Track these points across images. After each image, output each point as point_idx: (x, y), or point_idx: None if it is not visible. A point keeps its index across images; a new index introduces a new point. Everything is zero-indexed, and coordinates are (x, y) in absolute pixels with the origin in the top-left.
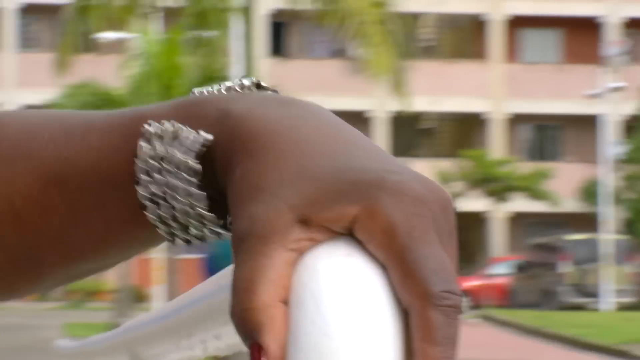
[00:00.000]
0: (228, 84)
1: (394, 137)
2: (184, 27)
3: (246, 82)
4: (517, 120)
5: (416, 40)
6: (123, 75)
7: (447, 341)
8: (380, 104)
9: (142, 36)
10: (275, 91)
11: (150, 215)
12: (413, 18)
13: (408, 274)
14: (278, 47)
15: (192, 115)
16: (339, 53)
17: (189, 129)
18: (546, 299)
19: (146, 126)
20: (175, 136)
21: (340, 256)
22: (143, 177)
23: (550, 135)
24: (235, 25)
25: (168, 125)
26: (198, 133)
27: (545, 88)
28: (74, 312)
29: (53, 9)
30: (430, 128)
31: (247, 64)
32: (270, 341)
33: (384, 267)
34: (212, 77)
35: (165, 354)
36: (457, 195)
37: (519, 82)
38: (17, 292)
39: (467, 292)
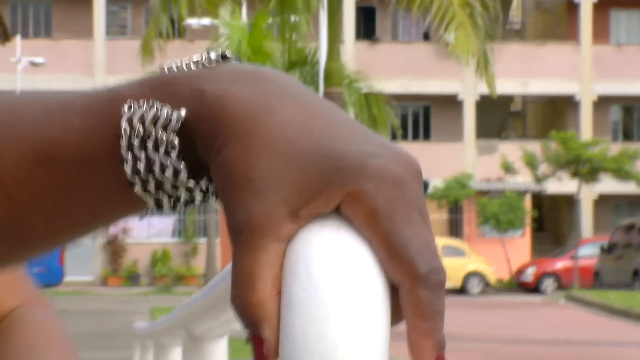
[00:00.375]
0: (195, 58)
1: (483, 119)
2: (269, 12)
3: (212, 55)
4: (606, 101)
5: (505, 23)
6: None
7: (437, 314)
8: (469, 87)
9: (227, 22)
10: (240, 60)
11: (139, 191)
12: (502, 1)
13: (394, 255)
14: (368, 31)
15: (167, 95)
16: (428, 36)
17: (167, 107)
18: (634, 280)
19: (126, 107)
20: (155, 116)
21: (331, 228)
22: (128, 156)
23: (639, 117)
24: (324, 10)
25: (147, 106)
26: (179, 112)
27: (634, 69)
28: (162, 297)
29: None
30: (519, 110)
31: (330, 47)
32: (269, 333)
33: (369, 241)
34: (299, 61)
35: (213, 329)
36: (544, 177)
37: (608, 64)
38: (6, 265)
39: (554, 274)
